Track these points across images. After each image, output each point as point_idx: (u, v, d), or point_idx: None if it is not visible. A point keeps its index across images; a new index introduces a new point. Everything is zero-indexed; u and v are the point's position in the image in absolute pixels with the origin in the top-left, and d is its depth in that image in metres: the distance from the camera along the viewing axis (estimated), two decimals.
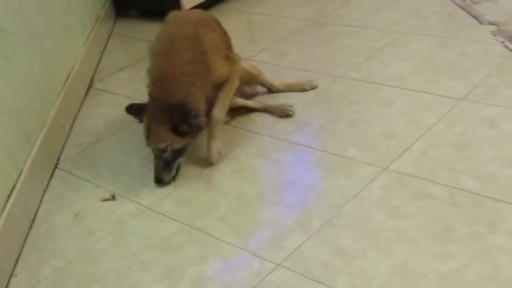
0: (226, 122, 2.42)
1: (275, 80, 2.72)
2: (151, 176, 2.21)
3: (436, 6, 3.38)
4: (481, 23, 3.08)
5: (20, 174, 2.06)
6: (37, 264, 1.89)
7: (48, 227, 2.06)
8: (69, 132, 2.63)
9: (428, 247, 1.71)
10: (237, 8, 3.88)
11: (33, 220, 2.09)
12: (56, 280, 1.82)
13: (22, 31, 2.31)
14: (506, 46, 2.78)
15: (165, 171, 2.13)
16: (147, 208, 2.08)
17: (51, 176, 2.34)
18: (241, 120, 2.52)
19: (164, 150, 2.10)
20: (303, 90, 2.67)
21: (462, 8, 3.28)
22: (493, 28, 3.00)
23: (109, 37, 3.72)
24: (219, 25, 2.45)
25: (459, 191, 1.91)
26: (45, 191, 2.25)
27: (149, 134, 2.12)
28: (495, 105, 2.33)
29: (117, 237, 1.97)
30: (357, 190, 1.99)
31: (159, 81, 2.13)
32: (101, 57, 3.43)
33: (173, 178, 2.17)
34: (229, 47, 2.44)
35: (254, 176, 2.19)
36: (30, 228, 2.06)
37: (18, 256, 1.92)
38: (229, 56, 2.36)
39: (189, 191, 2.14)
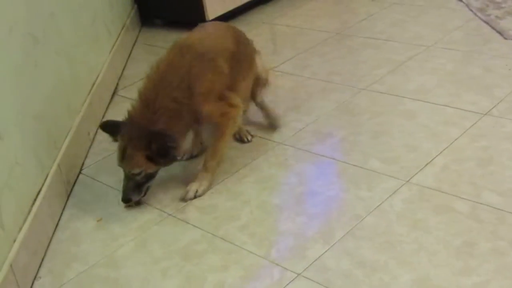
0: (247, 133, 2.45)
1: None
2: (174, 183, 2.25)
3: (460, 20, 3.38)
4: (505, 38, 3.07)
5: (45, 179, 2.09)
6: (61, 268, 1.92)
7: (71, 232, 2.09)
8: (94, 138, 2.66)
9: (450, 261, 1.71)
10: (260, 19, 3.91)
11: (57, 224, 2.12)
12: (79, 284, 1.85)
13: (52, 39, 2.35)
14: None
15: (134, 192, 2.10)
16: (169, 215, 2.10)
17: (75, 182, 2.37)
18: (263, 130, 2.54)
19: (137, 174, 2.07)
20: (270, 124, 2.56)
21: (487, 23, 3.28)
22: None
23: (133, 45, 3.77)
24: (231, 54, 2.23)
25: (482, 206, 1.90)
26: (69, 196, 2.28)
27: (124, 157, 2.06)
28: None
29: (140, 243, 1.99)
30: (378, 202, 1.99)
31: (143, 106, 2.07)
32: (125, 65, 3.48)
33: (141, 200, 2.15)
34: (233, 84, 2.23)
35: (275, 186, 2.20)
36: (54, 232, 2.08)
37: (42, 259, 1.95)
38: (226, 97, 2.19)
39: (211, 199, 2.16)
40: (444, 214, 1.90)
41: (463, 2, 3.59)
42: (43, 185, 2.06)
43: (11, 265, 1.71)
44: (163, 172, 2.33)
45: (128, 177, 2.08)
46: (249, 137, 2.49)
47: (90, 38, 2.90)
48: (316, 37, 3.48)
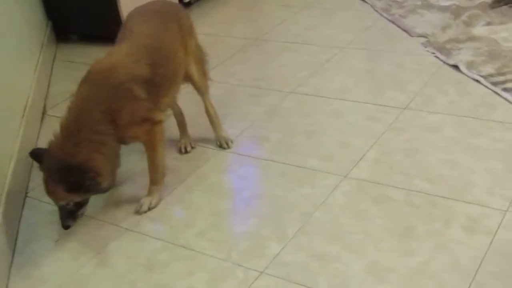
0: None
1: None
2: (125, 197, 2.32)
3: (368, 21, 3.63)
4: (411, 35, 3.35)
5: None
6: None
7: (30, 256, 2.12)
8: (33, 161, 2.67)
9: (395, 245, 1.91)
10: None
11: (14, 250, 2.14)
12: None
13: None
14: (437, 57, 3.05)
15: (70, 218, 2.11)
16: (126, 229, 2.18)
17: (23, 206, 2.38)
18: (202, 139, 2.65)
19: (66, 205, 2.08)
20: (218, 141, 2.60)
21: (392, 22, 3.55)
22: (422, 40, 3.27)
23: (53, 62, 3.76)
24: (146, 79, 2.15)
25: (414, 192, 2.12)
26: (19, 221, 2.30)
27: (48, 190, 2.08)
28: (435, 112, 2.58)
29: (102, 259, 2.05)
30: (323, 198, 2.17)
31: (64, 138, 2.06)
32: (49, 83, 3.47)
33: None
34: (155, 103, 2.20)
35: (223, 191, 2.33)
36: (12, 258, 2.11)
37: (6, 286, 1.97)
38: (149, 117, 2.19)
39: (164, 210, 2.26)
40: (382, 203, 2.10)
41: (368, 3, 3.85)
42: None
43: None
44: (112, 191, 2.40)
45: (60, 208, 2.10)
46: (189, 148, 2.59)
47: (17, 60, 2.90)
48: (235, 44, 3.62)
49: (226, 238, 2.07)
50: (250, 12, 4.14)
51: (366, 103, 2.74)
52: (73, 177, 2.01)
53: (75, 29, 4.01)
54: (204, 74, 2.54)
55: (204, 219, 2.17)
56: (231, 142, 2.58)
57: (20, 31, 3.12)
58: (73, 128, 2.06)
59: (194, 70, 2.47)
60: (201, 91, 2.55)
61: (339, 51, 3.30)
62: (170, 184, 2.37)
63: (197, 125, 2.69)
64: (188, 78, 2.49)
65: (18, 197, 2.34)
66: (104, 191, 2.19)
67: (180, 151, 2.58)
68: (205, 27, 3.95)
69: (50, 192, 2.08)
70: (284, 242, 1.99)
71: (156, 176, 2.28)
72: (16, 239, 2.20)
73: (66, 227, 2.12)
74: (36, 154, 2.16)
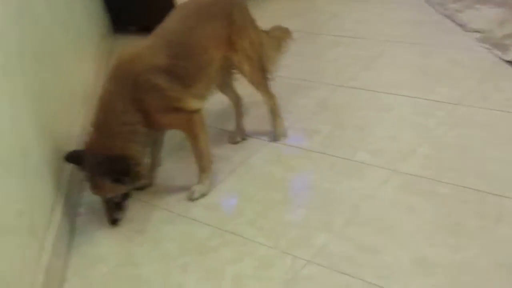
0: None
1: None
2: (178, 184, 2.40)
3: (422, 15, 3.62)
4: (466, 31, 3.32)
5: (60, 189, 2.22)
6: (85, 269, 2.05)
7: (89, 236, 2.22)
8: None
9: (443, 240, 1.92)
10: None
11: (74, 230, 2.25)
12: (105, 283, 1.99)
13: (51, 57, 2.46)
14: (492, 52, 3.02)
15: (117, 212, 2.23)
16: (179, 214, 2.26)
17: (83, 188, 2.49)
18: (254, 130, 2.71)
19: (113, 198, 2.20)
20: (273, 134, 2.64)
21: (447, 17, 3.52)
22: (477, 35, 3.24)
23: (111, 53, 3.87)
24: (163, 68, 2.19)
25: (465, 188, 2.13)
26: (79, 203, 2.40)
27: (94, 186, 2.17)
28: (489, 108, 2.56)
29: (155, 242, 2.14)
30: (371, 191, 2.20)
31: (98, 134, 2.16)
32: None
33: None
34: (181, 95, 2.24)
35: (273, 182, 2.38)
36: (73, 237, 2.21)
37: (67, 263, 2.08)
38: (181, 107, 2.24)
39: (215, 197, 2.32)
40: (432, 198, 2.11)
41: None
42: (59, 195, 2.19)
43: (46, 270, 1.83)
44: (164, 175, 2.49)
45: (106, 201, 2.21)
46: (238, 139, 2.65)
47: (77, 51, 3.02)
48: None
49: (275, 226, 2.12)
50: (303, 5, 4.17)
51: (418, 98, 2.75)
52: (116, 167, 2.12)
53: (132, 20, 4.12)
54: (259, 69, 2.54)
55: (253, 207, 2.23)
56: (285, 137, 2.62)
57: (80, 22, 3.24)
58: (103, 123, 2.15)
59: (245, 66, 2.49)
60: (255, 85, 2.58)
61: (392, 46, 3.30)
62: (221, 173, 2.44)
63: (251, 116, 2.75)
64: (240, 73, 2.54)
65: (79, 180, 2.44)
66: (142, 181, 2.32)
67: (230, 141, 2.65)
68: (258, 20, 3.99)
69: (97, 187, 2.17)
70: (332, 232, 2.03)
71: (202, 163, 2.34)
72: (76, 221, 2.31)
73: (114, 221, 2.23)
74: (72, 157, 2.23)
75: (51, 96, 2.36)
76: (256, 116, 2.77)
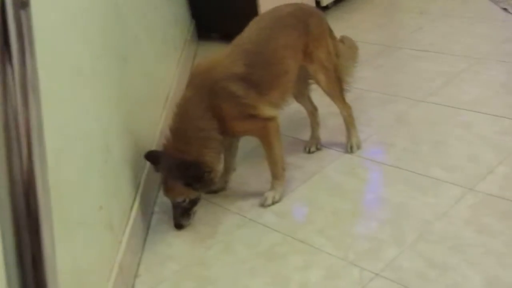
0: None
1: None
2: (251, 190, 2.44)
3: (509, 32, 3.52)
4: None
5: (138, 186, 2.31)
6: (157, 267, 2.12)
7: (162, 234, 2.29)
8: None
9: None
10: None
11: (148, 228, 2.33)
12: (175, 281, 2.05)
13: (137, 59, 2.57)
14: None
15: (184, 217, 2.28)
16: (250, 219, 2.30)
17: (159, 188, 2.58)
18: (329, 140, 2.72)
19: (181, 202, 2.25)
20: (348, 145, 2.64)
21: None
22: None
23: (194, 59, 3.98)
24: (241, 76, 2.25)
25: None
26: (154, 202, 2.49)
27: (166, 188, 2.26)
28: None
29: (226, 245, 2.18)
30: (446, 208, 2.16)
31: (175, 138, 2.24)
32: None
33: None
34: (257, 102, 2.28)
35: (346, 193, 2.38)
36: (147, 235, 2.29)
37: (140, 259, 2.16)
38: (256, 114, 2.28)
39: (287, 205, 2.35)
40: (508, 219, 2.05)
41: None
42: (136, 194, 2.27)
43: (120, 265, 1.91)
44: (237, 177, 2.54)
45: (175, 205, 2.27)
46: (313, 149, 2.67)
47: (162, 55, 3.12)
48: (368, 50, 3.63)
49: (344, 237, 2.12)
50: (386, 18, 4.15)
51: (501, 116, 2.68)
52: (191, 171, 2.18)
53: (216, 27, 4.22)
54: (335, 80, 2.55)
55: (324, 217, 2.24)
56: (359, 148, 2.62)
57: (167, 27, 3.35)
58: (180, 128, 2.24)
59: (321, 76, 2.51)
60: (331, 96, 2.59)
61: (476, 62, 3.23)
62: (294, 182, 2.46)
63: (326, 127, 2.77)
64: (316, 83, 2.57)
65: (155, 180, 2.52)
66: (214, 186, 2.37)
67: (305, 150, 2.67)
68: (340, 32, 3.98)
69: (169, 189, 2.24)
70: (402, 247, 2.02)
71: (275, 170, 2.37)
72: (150, 219, 2.39)
73: (179, 226, 2.28)
74: (151, 156, 2.33)
75: (134, 97, 2.46)
76: (332, 127, 2.79)
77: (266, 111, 2.31)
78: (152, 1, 3.10)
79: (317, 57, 2.49)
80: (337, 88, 2.59)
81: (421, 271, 1.90)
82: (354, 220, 2.21)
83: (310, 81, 2.62)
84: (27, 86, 0.58)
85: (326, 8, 4.38)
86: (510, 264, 1.87)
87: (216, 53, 2.38)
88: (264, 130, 2.32)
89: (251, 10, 3.85)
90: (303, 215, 2.29)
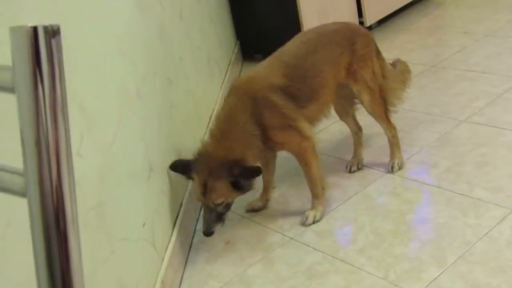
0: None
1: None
2: (292, 209, 2.46)
3: None
4: None
5: (180, 206, 2.36)
6: (199, 284, 2.16)
7: (203, 253, 2.34)
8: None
9: None
10: None
11: (190, 246, 2.38)
12: None
13: (181, 80, 2.64)
14: None
15: (217, 223, 2.24)
16: (291, 238, 2.32)
17: (201, 207, 2.62)
18: (372, 160, 2.72)
19: (220, 205, 2.21)
20: (349, 167, 2.69)
21: None
22: None
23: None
24: (280, 87, 2.31)
25: None
26: (197, 221, 2.54)
27: (206, 191, 2.19)
28: None
29: (266, 263, 2.21)
30: (487, 229, 2.14)
31: (217, 140, 2.23)
32: None
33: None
34: (294, 117, 2.31)
35: (387, 213, 2.38)
36: (189, 252, 2.34)
37: (182, 276, 2.20)
38: (296, 126, 2.31)
39: (328, 224, 2.36)
40: None
41: None
42: (179, 211, 2.33)
43: (162, 281, 1.96)
44: (279, 198, 2.57)
45: (210, 210, 2.23)
46: (354, 168, 2.69)
47: (206, 75, 3.19)
48: (413, 70, 3.60)
49: (385, 257, 2.12)
50: (430, 39, 4.14)
51: None
52: (239, 167, 2.17)
53: (260, 48, 4.28)
54: (379, 101, 2.56)
55: (365, 237, 2.24)
56: (399, 168, 2.61)
57: (212, 49, 3.43)
58: (225, 129, 2.24)
59: (365, 96, 2.52)
60: (375, 116, 2.60)
61: None
62: (335, 201, 2.48)
63: (370, 146, 2.78)
64: (360, 102, 2.59)
65: (196, 197, 2.57)
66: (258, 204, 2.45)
67: (346, 170, 2.68)
68: (383, 52, 3.98)
69: (209, 191, 2.18)
70: (443, 268, 2.00)
71: (315, 190, 2.39)
72: (193, 237, 2.44)
73: (210, 233, 2.25)
74: (178, 166, 2.28)
75: (178, 117, 2.53)
76: (375, 147, 2.80)
77: (304, 125, 2.33)
78: (197, 22, 3.18)
79: (361, 76, 2.50)
80: (381, 109, 2.58)
81: None
82: (395, 240, 2.21)
83: (356, 100, 2.64)
84: (57, 107, 0.63)
85: (369, 28, 4.40)
86: None
87: (255, 67, 2.44)
88: (301, 148, 2.33)
89: (295, 30, 3.89)
90: (344, 234, 2.30)
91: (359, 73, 2.50)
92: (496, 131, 2.78)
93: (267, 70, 2.36)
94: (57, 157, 0.65)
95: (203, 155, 2.23)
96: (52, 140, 0.64)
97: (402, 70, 2.78)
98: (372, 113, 2.60)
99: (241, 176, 2.19)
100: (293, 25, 3.93)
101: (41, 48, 0.61)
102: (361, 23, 4.28)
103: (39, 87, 0.62)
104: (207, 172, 2.20)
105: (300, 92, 2.34)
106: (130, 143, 1.92)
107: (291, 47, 2.45)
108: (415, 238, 2.19)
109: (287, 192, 2.62)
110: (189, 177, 2.30)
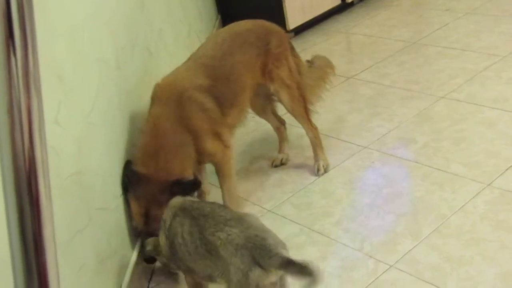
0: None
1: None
2: (270, 181, 2.48)
3: None
4: None
5: None
6: None
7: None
8: None
9: None
10: (337, 28, 4.11)
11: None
12: None
13: (160, 51, 2.63)
14: None
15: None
16: (269, 210, 2.34)
17: None
18: (349, 135, 2.74)
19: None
20: (315, 166, 2.54)
21: None
22: None
23: None
24: (207, 89, 2.17)
25: None
26: None
27: (148, 221, 1.97)
28: None
29: None
30: (462, 203, 2.17)
31: (150, 159, 2.00)
32: None
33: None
34: (221, 122, 2.20)
35: (364, 186, 2.41)
36: None
37: None
38: (221, 134, 2.19)
39: (305, 197, 2.39)
40: None
41: None
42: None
43: (139, 251, 1.97)
44: (260, 172, 2.58)
45: (150, 235, 1.94)
46: (276, 163, 2.64)
47: (187, 48, 3.17)
48: (393, 46, 3.65)
49: (361, 230, 2.15)
50: (412, 15, 4.14)
51: None
52: (177, 189, 1.94)
53: None
54: (299, 99, 2.47)
55: (342, 210, 2.27)
56: (324, 171, 2.52)
57: (193, 21, 3.40)
58: (156, 147, 2.01)
59: (283, 95, 2.44)
60: (295, 116, 2.52)
61: (500, 60, 3.22)
62: (313, 174, 2.50)
63: (347, 121, 2.79)
64: (279, 102, 2.51)
65: None
66: None
67: (272, 165, 2.64)
68: (365, 28, 4.03)
69: (154, 221, 1.94)
70: (418, 240, 2.04)
71: (232, 201, 2.24)
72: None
73: (153, 261, 2.04)
74: (132, 178, 2.01)
75: None
76: (353, 122, 2.81)
77: (228, 134, 2.23)
78: None
79: (277, 75, 2.41)
80: (301, 108, 2.49)
81: (436, 264, 1.92)
82: (372, 213, 2.24)
83: (274, 97, 2.54)
84: (29, 77, 0.63)
85: (351, 4, 4.40)
86: None
87: (173, 71, 2.25)
88: (224, 159, 2.20)
89: (277, 4, 3.89)
90: (321, 207, 2.32)
91: (275, 72, 2.40)
92: (474, 108, 2.80)
93: (188, 72, 2.20)
94: (29, 125, 0.65)
95: (139, 178, 1.98)
96: (25, 109, 0.64)
97: (321, 66, 2.66)
98: (292, 112, 2.50)
99: (182, 193, 1.93)
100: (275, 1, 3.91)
101: (13, 19, 0.61)
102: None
103: (11, 57, 0.62)
104: (147, 199, 1.97)
105: (224, 97, 2.21)
106: (108, 113, 1.92)
107: (206, 49, 2.32)
108: (391, 212, 2.21)
109: (265, 164, 2.63)
110: (126, 196, 2.03)
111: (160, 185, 1.96)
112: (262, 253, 1.51)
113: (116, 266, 1.84)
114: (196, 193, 2.21)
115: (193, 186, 2.02)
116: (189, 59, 2.32)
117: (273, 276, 1.54)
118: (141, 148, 2.04)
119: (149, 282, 2.09)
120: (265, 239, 1.55)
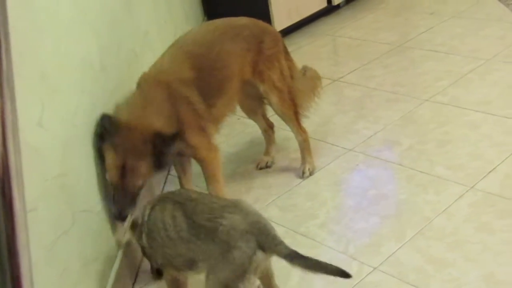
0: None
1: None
2: (256, 183, 2.48)
3: None
4: None
5: None
6: None
7: None
8: None
9: None
10: (323, 31, 4.13)
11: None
12: None
13: (146, 53, 2.62)
14: None
15: (130, 205, 1.91)
16: None
17: None
18: (334, 137, 2.75)
19: (139, 187, 1.91)
20: (300, 170, 2.53)
21: None
22: None
23: None
24: (192, 81, 2.13)
25: None
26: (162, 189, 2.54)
27: (125, 172, 1.87)
28: None
29: None
30: (446, 206, 2.19)
31: (135, 105, 1.96)
32: None
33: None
34: (205, 117, 2.16)
35: (349, 189, 2.42)
36: None
37: None
38: (203, 128, 2.16)
39: (290, 199, 2.39)
40: (507, 218, 2.08)
41: None
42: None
43: (123, 253, 1.97)
44: (244, 172, 2.58)
45: (124, 192, 1.89)
46: (262, 164, 2.64)
47: None
48: (378, 49, 3.67)
49: (345, 232, 2.16)
50: (398, 19, 4.16)
51: (506, 117, 2.69)
52: (159, 141, 1.90)
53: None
54: (289, 102, 2.45)
55: (327, 212, 2.28)
56: (310, 174, 2.52)
57: (178, 22, 3.40)
58: (141, 101, 2.00)
59: (273, 97, 2.41)
60: (284, 119, 2.50)
61: (484, 63, 3.24)
62: (297, 177, 2.51)
63: (333, 124, 2.80)
64: (268, 103, 2.49)
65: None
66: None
67: (257, 168, 2.64)
68: (351, 31, 4.04)
69: (131, 173, 1.88)
70: (402, 242, 2.05)
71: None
72: None
73: (124, 217, 1.93)
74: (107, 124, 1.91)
75: None
76: (339, 124, 2.83)
77: (211, 129, 2.19)
78: None
79: (268, 77, 2.38)
80: (291, 112, 2.47)
81: (419, 266, 1.94)
82: (356, 216, 2.25)
83: (264, 100, 2.51)
84: (2, 79, 0.62)
85: (337, 7, 4.41)
86: (507, 261, 1.89)
87: (157, 61, 2.20)
88: (210, 157, 2.17)
89: (263, 6, 3.89)
90: (306, 209, 2.32)
91: (266, 73, 2.37)
92: (459, 111, 2.82)
93: (173, 64, 2.15)
94: (2, 129, 0.64)
95: (119, 125, 1.89)
96: None
97: (311, 76, 2.63)
98: (281, 115, 2.48)
99: (165, 146, 1.91)
100: (260, 2, 3.91)
101: None
102: (329, 2, 4.30)
103: None
104: (126, 148, 1.87)
105: (209, 87, 2.17)
106: (93, 115, 1.91)
107: (195, 35, 2.29)
108: (376, 214, 2.23)
109: (251, 167, 2.64)
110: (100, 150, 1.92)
111: (142, 133, 1.88)
112: (268, 239, 1.63)
113: (100, 268, 1.83)
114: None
115: (173, 138, 1.95)
116: (175, 45, 2.25)
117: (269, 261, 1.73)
118: (125, 102, 1.99)
119: (133, 284, 2.08)
120: (266, 225, 1.66)
